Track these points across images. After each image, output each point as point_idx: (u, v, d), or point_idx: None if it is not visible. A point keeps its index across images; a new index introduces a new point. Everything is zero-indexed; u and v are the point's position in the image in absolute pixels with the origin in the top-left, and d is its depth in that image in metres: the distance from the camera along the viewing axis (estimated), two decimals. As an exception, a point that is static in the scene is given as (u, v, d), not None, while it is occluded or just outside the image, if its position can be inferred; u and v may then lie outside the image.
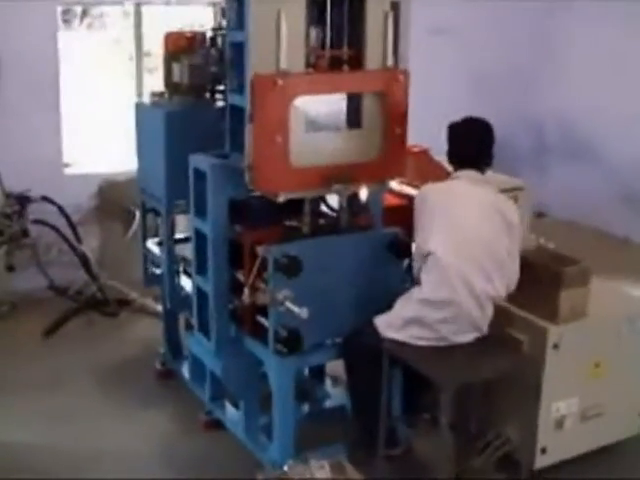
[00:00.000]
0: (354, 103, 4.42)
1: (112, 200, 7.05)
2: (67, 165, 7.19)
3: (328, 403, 5.25)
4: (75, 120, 7.51)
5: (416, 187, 4.84)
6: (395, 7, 4.31)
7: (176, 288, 5.20)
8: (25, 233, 6.57)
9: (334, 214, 4.66)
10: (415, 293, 4.34)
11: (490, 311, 4.35)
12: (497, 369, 4.26)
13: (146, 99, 5.49)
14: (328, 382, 5.40)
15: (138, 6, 7.21)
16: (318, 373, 5.37)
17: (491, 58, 8.66)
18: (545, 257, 4.68)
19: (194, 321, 4.78)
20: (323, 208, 4.78)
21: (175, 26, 5.20)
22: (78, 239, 6.72)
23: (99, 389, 5.58)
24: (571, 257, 4.62)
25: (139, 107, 5.37)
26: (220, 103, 4.86)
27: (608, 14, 8.35)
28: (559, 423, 4.55)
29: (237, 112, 4.24)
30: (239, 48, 4.16)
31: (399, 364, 4.39)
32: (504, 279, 4.36)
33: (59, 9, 7.19)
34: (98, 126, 8.17)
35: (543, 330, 4.40)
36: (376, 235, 4.60)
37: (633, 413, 4.88)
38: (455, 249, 4.25)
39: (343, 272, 4.41)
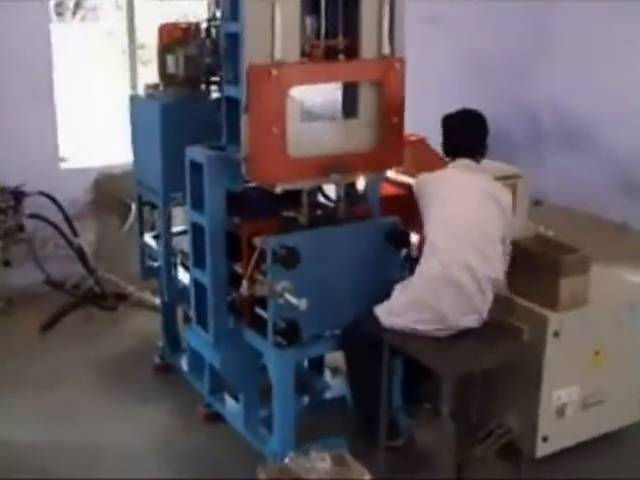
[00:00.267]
0: (350, 92, 4.39)
1: (108, 193, 7.03)
2: (63, 159, 7.16)
3: (328, 394, 5.23)
4: (70, 114, 7.46)
5: (414, 176, 4.82)
6: (390, -6, 4.29)
7: (173, 281, 5.19)
8: (21, 228, 6.55)
9: (332, 204, 4.65)
10: (414, 277, 4.35)
11: (490, 296, 4.36)
12: (498, 358, 4.25)
13: (140, 91, 5.46)
14: (327, 373, 5.39)
15: (131, -2, 7.17)
16: (317, 364, 5.36)
17: (486, 46, 8.63)
18: (544, 245, 4.68)
19: (192, 314, 4.77)
20: (320, 199, 4.77)
21: (168, 18, 5.16)
22: (74, 233, 6.71)
23: (98, 384, 5.56)
24: (570, 245, 4.62)
25: (134, 100, 5.35)
26: (215, 94, 4.83)
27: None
28: (560, 411, 4.55)
29: (232, 103, 4.23)
30: (234, 39, 4.14)
31: (399, 354, 4.39)
32: (502, 261, 4.40)
33: (52, 1, 7.14)
34: (93, 119, 8.12)
35: (543, 318, 4.40)
36: (374, 225, 4.58)
37: (634, 400, 4.88)
38: (452, 235, 4.28)
39: (342, 263, 4.40)
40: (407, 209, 4.60)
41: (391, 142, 4.45)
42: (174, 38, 4.91)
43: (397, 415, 4.68)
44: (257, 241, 4.25)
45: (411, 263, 4.56)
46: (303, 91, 4.21)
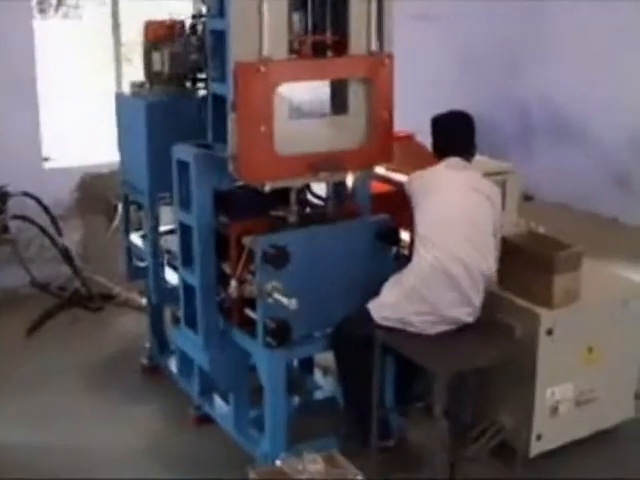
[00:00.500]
0: (339, 89, 4.40)
1: (94, 193, 7.01)
2: (47, 159, 7.14)
3: (318, 394, 5.23)
4: (54, 112, 7.44)
5: (403, 173, 4.83)
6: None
7: (161, 281, 5.17)
8: (5, 229, 6.52)
9: (321, 203, 4.64)
10: (406, 270, 4.37)
11: (482, 288, 4.38)
12: (491, 356, 4.26)
13: (125, 89, 5.45)
14: (318, 373, 5.38)
15: (114, -5, 7.15)
16: (307, 364, 5.35)
17: (476, 40, 8.65)
18: (536, 241, 4.69)
19: (181, 315, 4.75)
20: (309, 197, 4.76)
21: (150, 15, 5.14)
22: (60, 233, 6.68)
23: (85, 387, 5.54)
24: (562, 241, 4.62)
25: (119, 98, 5.33)
26: (202, 92, 4.82)
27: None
28: (554, 409, 4.55)
29: (219, 101, 4.21)
30: (220, 35, 4.12)
31: (391, 352, 4.39)
32: (494, 254, 4.43)
33: (34, -2, 7.14)
34: (78, 118, 8.11)
35: (536, 316, 4.40)
36: (365, 223, 4.59)
37: (628, 396, 4.89)
38: (444, 227, 4.31)
39: (332, 262, 4.40)
40: (397, 206, 4.60)
41: (381, 139, 4.45)
42: (160, 35, 4.90)
43: (389, 415, 4.68)
44: (246, 241, 4.24)
45: (402, 261, 4.57)
46: (291, 88, 4.21)
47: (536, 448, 4.55)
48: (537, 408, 4.50)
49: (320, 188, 4.63)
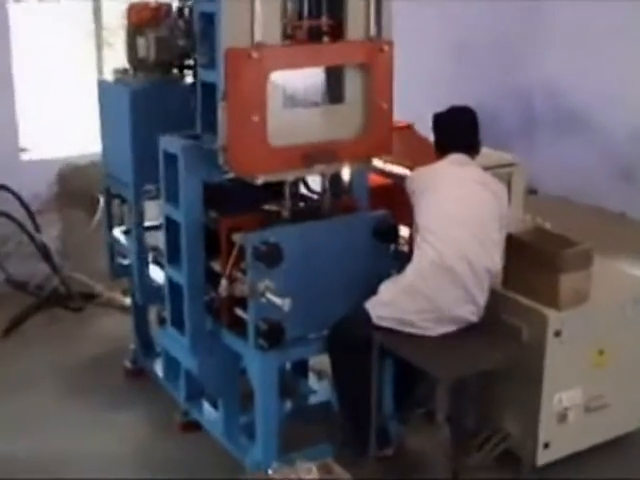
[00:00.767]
0: (335, 76, 4.36)
1: (74, 186, 6.97)
2: (24, 150, 7.10)
3: (313, 399, 5.21)
4: (31, 100, 7.38)
5: (402, 165, 4.81)
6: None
7: (146, 280, 5.14)
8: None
9: (316, 197, 4.62)
10: (407, 267, 4.36)
11: (487, 286, 4.37)
12: (496, 360, 4.25)
13: (107, 76, 5.41)
14: (312, 377, 5.37)
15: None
16: (301, 367, 5.33)
17: (477, 29, 8.63)
18: (543, 238, 4.66)
19: (167, 315, 4.72)
20: (303, 191, 4.73)
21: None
22: (37, 229, 6.63)
23: (65, 391, 5.51)
24: (571, 238, 4.60)
25: (102, 85, 5.30)
26: (189, 79, 4.79)
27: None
28: (562, 416, 4.53)
29: (208, 89, 4.17)
30: (209, 19, 4.09)
31: (390, 355, 4.36)
32: (499, 250, 4.43)
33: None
34: (57, 106, 8.04)
35: (544, 316, 4.38)
36: (362, 218, 4.57)
37: (640, 402, 4.88)
38: (447, 222, 4.31)
39: (327, 259, 4.38)
40: (396, 201, 4.58)
41: (379, 129, 4.42)
42: (144, 19, 4.84)
43: (387, 421, 4.66)
44: (237, 237, 4.21)
45: (401, 259, 4.54)
46: (285, 75, 4.18)
47: (543, 457, 4.52)
48: (544, 415, 4.47)
49: (315, 181, 4.60)
